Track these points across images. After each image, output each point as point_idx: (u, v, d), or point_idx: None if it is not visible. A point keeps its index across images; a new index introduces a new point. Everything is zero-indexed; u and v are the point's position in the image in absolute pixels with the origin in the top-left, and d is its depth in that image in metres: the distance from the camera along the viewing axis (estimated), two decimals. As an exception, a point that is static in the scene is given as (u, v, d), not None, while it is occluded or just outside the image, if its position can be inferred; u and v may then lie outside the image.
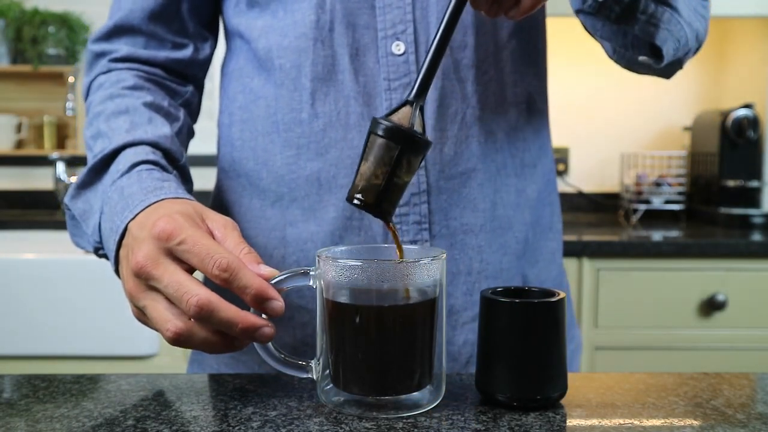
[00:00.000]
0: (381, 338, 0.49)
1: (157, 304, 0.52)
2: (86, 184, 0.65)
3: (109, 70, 0.75)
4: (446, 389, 0.53)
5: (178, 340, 0.51)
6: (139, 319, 0.56)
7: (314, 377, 0.53)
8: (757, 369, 1.72)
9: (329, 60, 0.69)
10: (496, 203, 0.72)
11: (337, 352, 0.51)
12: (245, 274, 0.49)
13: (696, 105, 2.32)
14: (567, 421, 0.48)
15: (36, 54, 2.24)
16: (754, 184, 2.03)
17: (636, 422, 0.48)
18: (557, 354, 0.50)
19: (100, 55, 0.77)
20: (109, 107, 0.70)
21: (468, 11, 0.69)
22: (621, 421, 0.48)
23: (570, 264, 1.71)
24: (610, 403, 0.52)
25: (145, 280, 0.52)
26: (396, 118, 0.53)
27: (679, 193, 2.14)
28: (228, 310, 0.49)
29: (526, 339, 0.50)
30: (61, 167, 2.23)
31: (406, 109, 0.53)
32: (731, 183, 2.04)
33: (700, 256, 1.71)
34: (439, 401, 0.52)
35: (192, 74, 0.79)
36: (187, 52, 0.77)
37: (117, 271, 0.59)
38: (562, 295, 0.51)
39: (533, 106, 0.75)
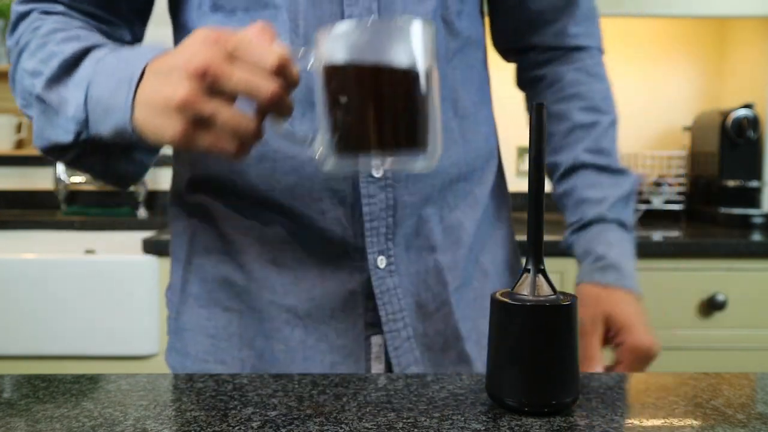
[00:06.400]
0: (380, 97, 0.50)
1: (227, 107, 0.51)
2: (59, 77, 0.61)
3: (41, 19, 0.69)
4: (446, 389, 0.53)
5: (271, 102, 0.51)
6: (184, 141, 0.52)
7: (315, 151, 0.53)
8: (757, 369, 1.72)
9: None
10: (444, 209, 0.77)
11: (342, 118, 0.51)
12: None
13: (696, 105, 2.32)
14: (567, 422, 0.48)
15: (36, 54, 2.24)
16: (754, 184, 2.03)
17: (636, 422, 0.48)
18: (570, 357, 0.49)
19: (27, 14, 0.70)
20: (57, 36, 0.64)
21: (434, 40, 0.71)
22: (621, 421, 0.48)
23: (570, 264, 1.70)
24: (611, 403, 0.52)
25: (212, 82, 0.50)
26: (524, 290, 0.51)
27: (679, 193, 2.14)
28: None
29: (539, 342, 0.49)
30: (61, 167, 2.23)
31: (530, 279, 0.51)
32: (731, 183, 2.04)
33: (700, 256, 1.71)
34: (435, 159, 0.52)
35: None
36: (117, 32, 0.74)
37: (130, 119, 0.55)
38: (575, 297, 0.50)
39: (475, 117, 0.79)
